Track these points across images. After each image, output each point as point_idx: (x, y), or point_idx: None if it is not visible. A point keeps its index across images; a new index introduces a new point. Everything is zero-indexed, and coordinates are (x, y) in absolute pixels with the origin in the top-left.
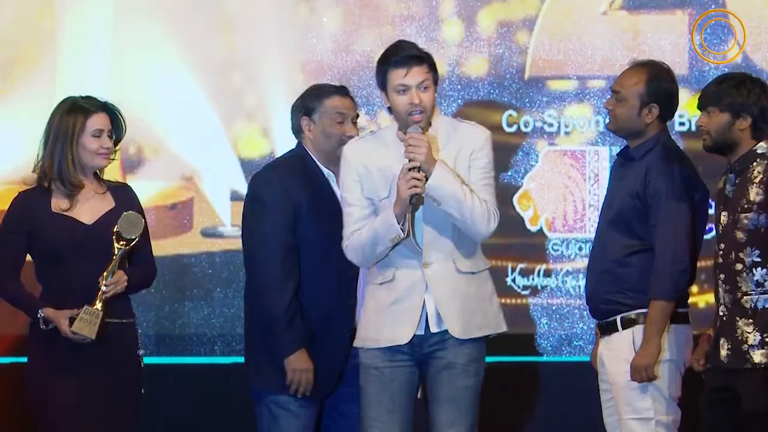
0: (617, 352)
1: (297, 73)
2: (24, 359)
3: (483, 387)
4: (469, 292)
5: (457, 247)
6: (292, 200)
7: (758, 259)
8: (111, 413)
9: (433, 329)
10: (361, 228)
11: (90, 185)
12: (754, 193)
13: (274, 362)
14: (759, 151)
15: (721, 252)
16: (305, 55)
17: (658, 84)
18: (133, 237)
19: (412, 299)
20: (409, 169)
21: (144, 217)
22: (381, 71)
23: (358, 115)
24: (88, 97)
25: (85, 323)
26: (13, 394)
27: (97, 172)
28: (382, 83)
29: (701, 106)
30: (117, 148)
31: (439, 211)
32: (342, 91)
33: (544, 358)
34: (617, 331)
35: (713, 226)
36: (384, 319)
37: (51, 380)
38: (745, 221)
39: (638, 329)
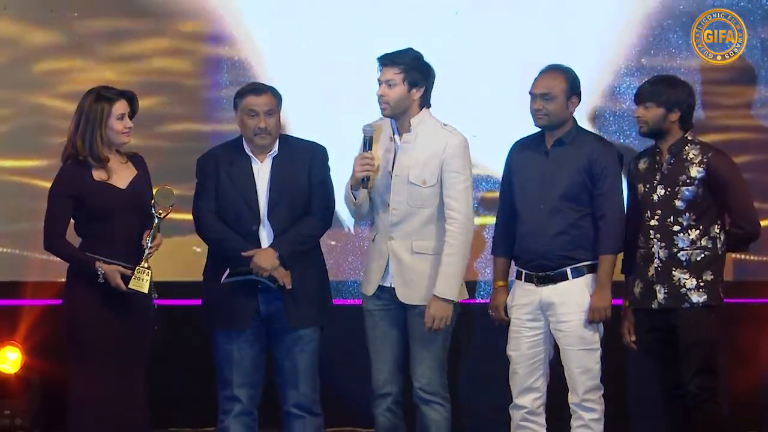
0: (570, 297)
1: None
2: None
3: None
4: (419, 268)
5: (417, 231)
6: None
7: (693, 223)
8: (133, 348)
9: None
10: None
11: (114, 158)
12: (695, 171)
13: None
14: (689, 138)
15: (657, 217)
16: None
17: (574, 79)
18: (170, 205)
19: (379, 262)
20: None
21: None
22: None
23: (272, 109)
24: (107, 87)
25: (138, 281)
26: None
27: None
28: None
29: (639, 101)
30: None
31: (403, 203)
32: (255, 90)
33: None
34: (566, 279)
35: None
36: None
37: (88, 314)
38: (686, 193)
39: (588, 278)
